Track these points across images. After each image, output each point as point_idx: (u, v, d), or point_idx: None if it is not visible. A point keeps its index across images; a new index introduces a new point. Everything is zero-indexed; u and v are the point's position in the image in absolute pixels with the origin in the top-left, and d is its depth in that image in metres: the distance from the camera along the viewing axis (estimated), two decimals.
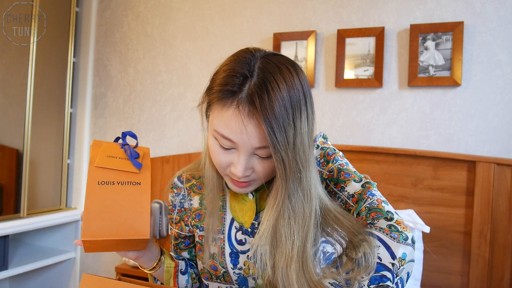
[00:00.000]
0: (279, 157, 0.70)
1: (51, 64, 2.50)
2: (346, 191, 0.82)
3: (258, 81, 0.70)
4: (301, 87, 0.73)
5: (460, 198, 1.87)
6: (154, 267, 0.90)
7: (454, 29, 1.91)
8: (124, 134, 0.82)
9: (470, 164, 1.85)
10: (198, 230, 0.92)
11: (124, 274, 2.14)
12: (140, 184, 0.77)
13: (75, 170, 2.69)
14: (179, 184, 0.95)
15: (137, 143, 0.85)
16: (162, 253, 0.92)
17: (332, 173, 0.86)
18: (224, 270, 0.87)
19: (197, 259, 0.93)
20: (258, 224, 0.85)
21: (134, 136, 0.83)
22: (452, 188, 1.88)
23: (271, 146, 0.69)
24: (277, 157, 0.70)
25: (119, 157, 0.80)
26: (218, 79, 0.75)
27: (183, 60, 2.48)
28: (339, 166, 0.86)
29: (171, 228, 0.98)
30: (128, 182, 0.77)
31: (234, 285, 0.88)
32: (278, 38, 2.21)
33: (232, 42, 2.36)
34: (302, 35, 2.17)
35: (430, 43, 1.96)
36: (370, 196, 0.80)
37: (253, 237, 0.86)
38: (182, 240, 0.97)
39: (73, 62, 2.62)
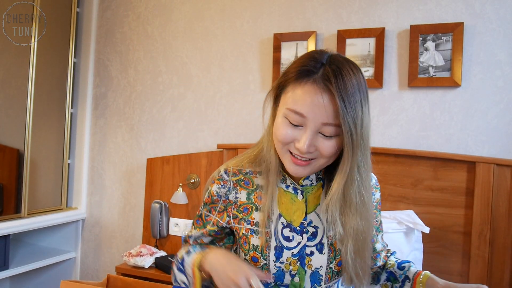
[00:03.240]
0: (348, 131, 0.78)
1: (51, 65, 2.50)
2: (383, 240, 1.03)
3: (332, 66, 0.79)
4: (364, 82, 0.83)
5: (460, 198, 1.87)
6: None
7: (454, 30, 1.91)
8: None
9: (470, 164, 1.85)
10: (245, 223, 0.92)
11: (124, 274, 2.14)
12: None
13: (75, 170, 2.69)
14: (226, 177, 0.95)
15: None
16: None
17: (379, 224, 1.03)
18: (265, 262, 0.88)
19: (241, 251, 0.94)
20: (308, 224, 0.89)
21: None
22: (452, 189, 1.88)
23: (342, 119, 0.77)
24: (346, 130, 0.77)
25: None
26: (296, 63, 0.83)
27: (183, 60, 2.48)
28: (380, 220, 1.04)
29: (208, 216, 0.97)
30: None
31: (270, 279, 0.89)
32: (278, 39, 2.21)
33: (232, 43, 2.37)
34: (302, 36, 2.17)
35: (430, 44, 1.96)
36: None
37: (301, 235, 0.89)
38: (215, 230, 0.97)
39: (74, 63, 2.62)
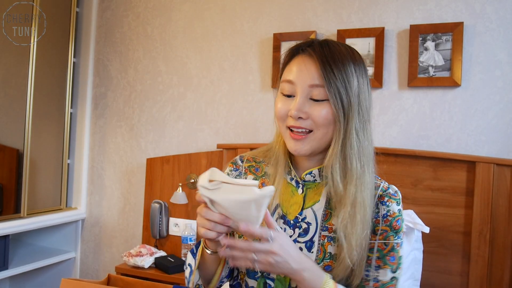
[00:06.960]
0: (336, 92, 0.81)
1: (51, 64, 2.50)
2: (379, 272, 0.87)
3: (320, 40, 0.87)
4: (360, 58, 0.87)
5: (460, 198, 1.87)
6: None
7: (454, 30, 1.91)
8: None
9: (470, 164, 1.85)
10: None
11: (124, 274, 2.14)
12: None
13: (75, 170, 2.69)
14: (239, 163, 1.00)
15: None
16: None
17: (386, 246, 0.88)
18: None
19: (236, 233, 0.94)
20: (302, 219, 0.90)
21: None
22: (451, 189, 1.88)
23: (326, 80, 0.80)
24: (334, 92, 0.81)
25: None
26: (286, 50, 0.90)
27: (183, 60, 2.48)
28: (395, 244, 0.88)
29: None
30: None
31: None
32: (278, 39, 2.22)
33: (232, 42, 2.37)
34: (302, 36, 2.17)
35: (430, 44, 1.96)
36: None
37: (293, 229, 0.89)
38: None
39: (73, 62, 2.62)
